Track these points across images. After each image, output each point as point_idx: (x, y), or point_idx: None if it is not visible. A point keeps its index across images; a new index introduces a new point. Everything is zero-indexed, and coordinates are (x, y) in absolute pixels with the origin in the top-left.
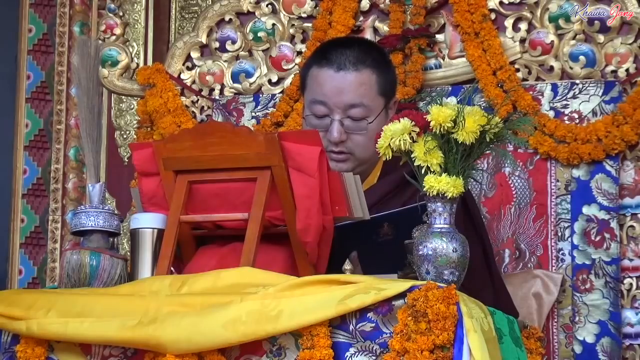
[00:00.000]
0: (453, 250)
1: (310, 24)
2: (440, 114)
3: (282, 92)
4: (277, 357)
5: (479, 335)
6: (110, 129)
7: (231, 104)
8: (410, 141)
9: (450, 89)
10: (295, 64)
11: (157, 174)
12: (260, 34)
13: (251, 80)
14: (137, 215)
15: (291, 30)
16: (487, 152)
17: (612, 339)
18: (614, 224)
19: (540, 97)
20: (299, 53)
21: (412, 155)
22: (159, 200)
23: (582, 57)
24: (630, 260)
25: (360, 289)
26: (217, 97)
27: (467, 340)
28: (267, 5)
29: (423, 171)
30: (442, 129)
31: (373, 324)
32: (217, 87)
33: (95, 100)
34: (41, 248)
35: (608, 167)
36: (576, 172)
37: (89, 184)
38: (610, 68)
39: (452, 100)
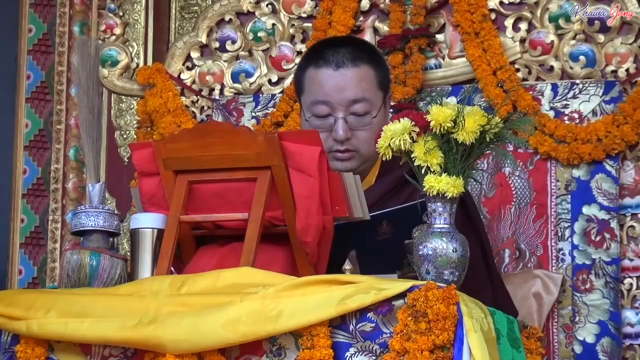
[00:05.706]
0: (453, 250)
1: (310, 24)
2: (440, 114)
3: (282, 92)
4: (277, 357)
5: (479, 335)
6: (110, 129)
7: (231, 104)
8: (410, 141)
9: (450, 89)
10: (295, 64)
11: (157, 174)
12: (260, 34)
13: (251, 80)
14: (137, 215)
15: (291, 30)
16: (487, 152)
17: (612, 339)
18: (614, 224)
19: (540, 97)
20: (299, 53)
21: (412, 155)
22: (159, 200)
23: (582, 57)
24: (631, 260)
25: (360, 289)
26: (217, 97)
27: (467, 340)
28: (267, 5)
29: (423, 171)
30: (442, 129)
31: (373, 324)
32: (217, 87)
33: (95, 100)
34: (41, 248)
35: (608, 167)
36: (576, 172)
37: (89, 184)
38: (611, 68)
39: (452, 100)
